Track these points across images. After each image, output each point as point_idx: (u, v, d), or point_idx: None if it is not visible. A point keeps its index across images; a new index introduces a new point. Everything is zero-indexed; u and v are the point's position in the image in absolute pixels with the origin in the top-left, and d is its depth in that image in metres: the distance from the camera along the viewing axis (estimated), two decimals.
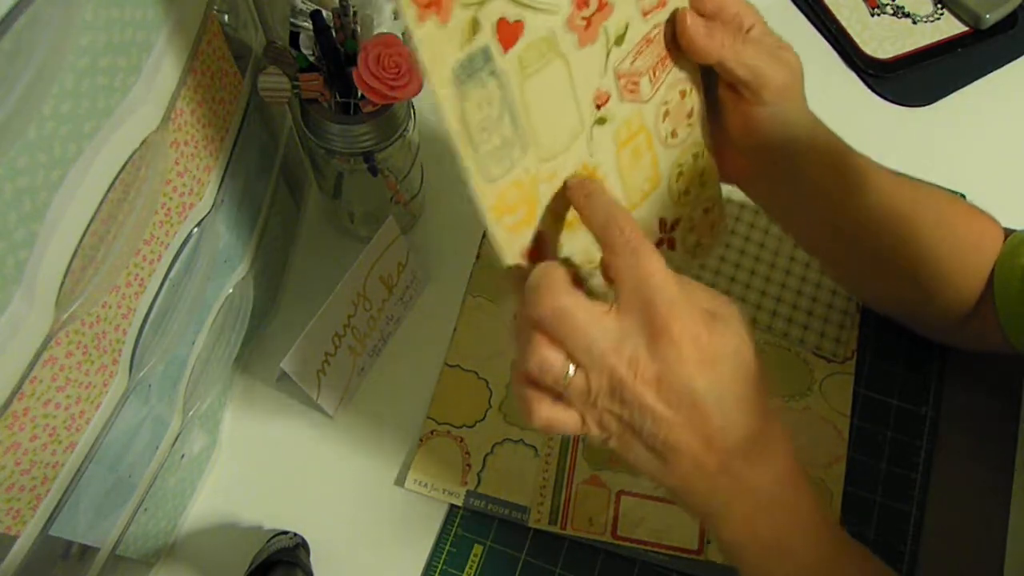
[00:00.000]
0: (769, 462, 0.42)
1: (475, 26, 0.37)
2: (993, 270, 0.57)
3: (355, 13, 0.59)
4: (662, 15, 0.45)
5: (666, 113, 0.48)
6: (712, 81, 0.50)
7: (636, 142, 0.47)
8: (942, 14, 0.87)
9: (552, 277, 0.40)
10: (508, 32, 0.39)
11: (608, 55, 0.44)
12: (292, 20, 0.64)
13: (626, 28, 0.44)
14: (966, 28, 0.86)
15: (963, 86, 0.82)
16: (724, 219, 0.56)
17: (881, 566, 0.45)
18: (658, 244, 0.51)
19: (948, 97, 0.82)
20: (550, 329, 0.39)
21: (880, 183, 0.55)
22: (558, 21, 0.41)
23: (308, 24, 0.58)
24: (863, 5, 0.87)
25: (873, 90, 0.82)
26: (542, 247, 0.44)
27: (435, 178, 0.72)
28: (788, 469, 0.43)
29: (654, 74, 0.46)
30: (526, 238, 0.44)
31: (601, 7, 0.42)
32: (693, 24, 0.45)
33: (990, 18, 0.84)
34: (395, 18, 0.69)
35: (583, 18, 0.42)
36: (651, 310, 0.38)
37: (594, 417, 0.40)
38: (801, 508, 0.43)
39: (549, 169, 0.43)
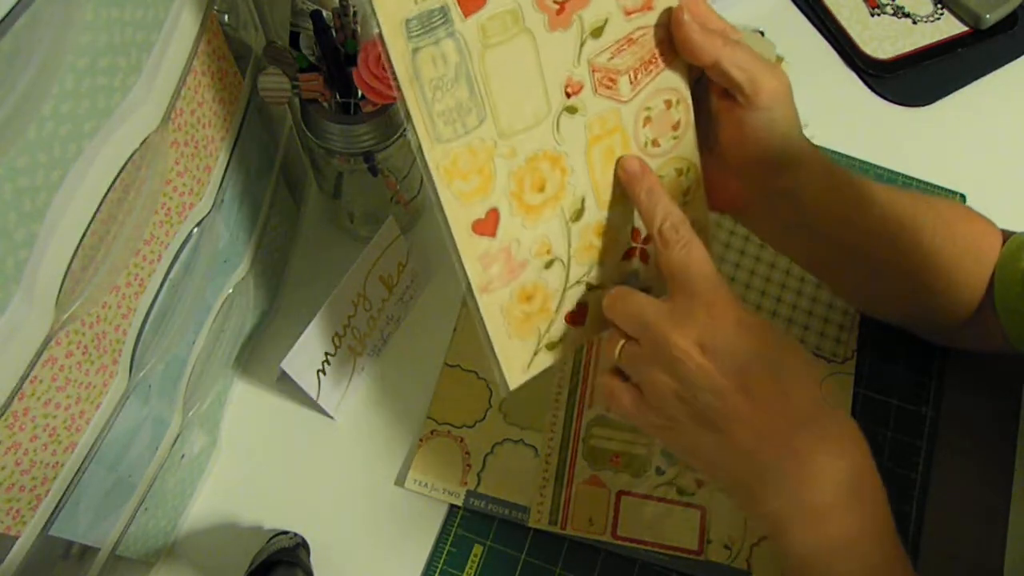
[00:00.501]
0: (843, 451, 0.42)
1: None
2: (993, 273, 0.57)
3: (355, 13, 0.59)
4: (646, 19, 0.45)
5: (647, 119, 0.48)
6: (703, 94, 0.49)
7: (611, 140, 0.47)
8: (942, 14, 0.87)
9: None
10: None
11: (583, 45, 0.43)
12: (292, 20, 0.64)
13: (605, 22, 0.44)
14: (966, 28, 0.86)
15: (963, 86, 0.82)
16: (710, 245, 0.56)
17: None
18: (627, 255, 0.51)
19: (948, 97, 0.82)
20: (610, 314, 0.47)
21: (877, 195, 0.55)
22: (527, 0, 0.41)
23: (308, 24, 0.58)
24: (863, 5, 0.87)
25: (873, 90, 0.82)
26: (492, 223, 0.45)
27: None
28: (865, 466, 0.43)
29: (635, 76, 0.46)
30: (477, 210, 0.44)
31: None
32: (689, 21, 0.45)
33: (990, 18, 0.84)
34: None
35: (556, 1, 0.42)
36: (700, 293, 0.43)
37: (650, 390, 0.44)
38: (876, 511, 0.43)
39: (508, 145, 0.43)
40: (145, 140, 0.43)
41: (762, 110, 0.47)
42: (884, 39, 0.85)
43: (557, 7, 0.42)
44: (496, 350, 0.48)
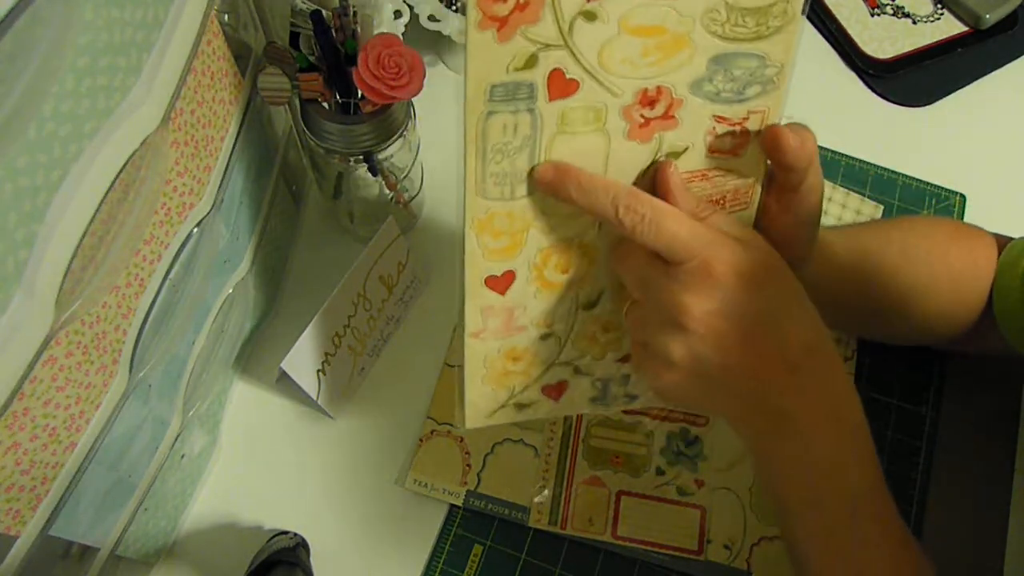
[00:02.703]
0: (831, 376, 0.43)
1: (532, 61, 0.37)
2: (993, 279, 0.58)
3: (355, 13, 0.59)
4: (728, 163, 0.43)
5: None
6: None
7: None
8: (942, 14, 0.87)
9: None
10: (560, 84, 0.39)
11: (654, 162, 0.43)
12: (292, 20, 0.64)
13: (684, 150, 0.42)
14: (966, 28, 0.86)
15: (963, 86, 0.82)
16: None
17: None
18: (625, 359, 0.50)
19: (948, 97, 0.82)
20: (618, 265, 0.45)
21: (868, 243, 0.56)
22: (615, 103, 0.40)
23: (308, 24, 0.58)
24: (863, 5, 0.87)
25: (873, 90, 0.82)
26: (506, 283, 0.45)
27: (435, 178, 0.72)
28: (846, 389, 0.44)
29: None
30: (496, 267, 0.44)
31: (666, 117, 0.41)
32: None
33: (990, 18, 0.85)
34: (395, 18, 0.69)
35: (643, 116, 0.41)
36: (690, 256, 0.41)
37: (654, 350, 0.43)
38: (857, 431, 0.44)
39: (547, 223, 0.43)
40: (145, 140, 0.43)
41: (812, 191, 0.46)
42: (884, 39, 0.85)
43: (642, 120, 0.41)
44: (466, 388, 0.49)
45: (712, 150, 0.43)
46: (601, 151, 0.41)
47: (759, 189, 0.45)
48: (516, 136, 0.40)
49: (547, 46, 0.37)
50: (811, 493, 0.44)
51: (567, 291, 0.46)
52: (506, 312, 0.46)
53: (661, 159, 0.42)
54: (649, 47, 0.39)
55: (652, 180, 0.43)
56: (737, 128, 0.42)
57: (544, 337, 0.48)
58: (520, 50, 0.37)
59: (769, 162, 0.44)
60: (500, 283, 0.45)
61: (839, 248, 0.54)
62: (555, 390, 0.50)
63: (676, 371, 0.43)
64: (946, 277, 0.58)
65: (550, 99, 0.39)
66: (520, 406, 0.51)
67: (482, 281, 0.44)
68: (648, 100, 0.40)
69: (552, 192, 0.42)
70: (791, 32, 0.40)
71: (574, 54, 0.38)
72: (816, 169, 0.44)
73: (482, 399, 0.49)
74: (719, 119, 0.42)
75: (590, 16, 0.37)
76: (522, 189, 0.42)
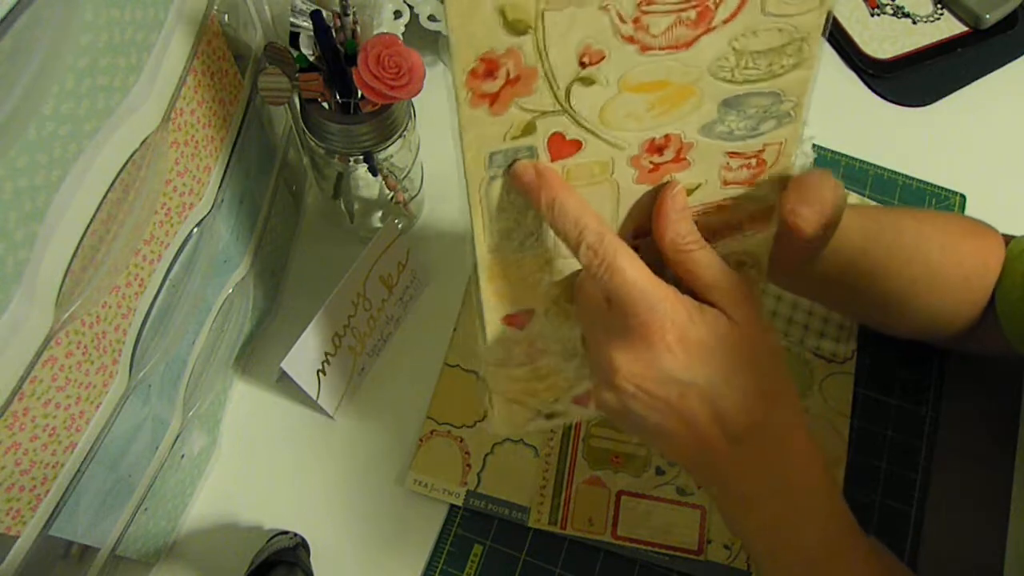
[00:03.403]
0: (780, 449, 0.42)
1: (530, 128, 0.36)
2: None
3: (355, 13, 0.59)
4: (746, 191, 0.42)
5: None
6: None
7: None
8: (942, 14, 0.87)
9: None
10: (561, 146, 0.37)
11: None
12: (292, 20, 0.64)
13: (698, 187, 0.41)
14: (966, 28, 0.86)
15: (963, 86, 0.82)
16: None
17: (892, 561, 0.45)
18: None
19: (948, 97, 0.82)
20: (576, 297, 0.44)
21: (885, 224, 0.56)
22: (621, 155, 0.38)
23: (308, 24, 0.58)
24: (863, 5, 0.87)
25: (873, 90, 0.82)
26: (524, 319, 0.44)
27: (435, 178, 0.72)
28: (801, 454, 0.42)
29: (712, 236, 0.42)
30: (512, 308, 0.44)
31: (677, 160, 0.39)
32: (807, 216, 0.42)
33: (990, 18, 0.84)
34: (395, 18, 0.69)
35: (652, 162, 0.39)
36: (633, 315, 0.39)
37: (595, 395, 0.43)
38: (811, 494, 0.43)
39: (559, 261, 0.42)
40: (145, 140, 0.43)
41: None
42: (884, 39, 0.85)
43: (651, 167, 0.39)
44: (495, 404, 0.48)
45: (727, 183, 0.41)
46: (610, 199, 0.40)
47: (777, 207, 0.42)
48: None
49: (544, 113, 0.36)
50: (764, 546, 0.43)
51: None
52: (527, 342, 0.46)
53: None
54: (653, 101, 0.37)
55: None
56: (753, 160, 0.40)
57: (569, 359, 0.47)
58: (516, 119, 0.35)
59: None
60: (518, 319, 0.44)
61: (854, 230, 0.53)
62: (586, 398, 0.50)
63: (612, 412, 0.42)
64: (957, 272, 0.57)
65: (552, 160, 0.38)
66: (551, 416, 0.50)
67: (500, 319, 0.44)
68: (656, 148, 0.38)
69: (525, 195, 0.39)
70: (808, 68, 0.37)
71: (574, 117, 0.36)
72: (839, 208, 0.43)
73: (511, 414, 0.49)
74: (733, 155, 0.40)
75: (587, 81, 0.35)
76: (531, 241, 0.41)
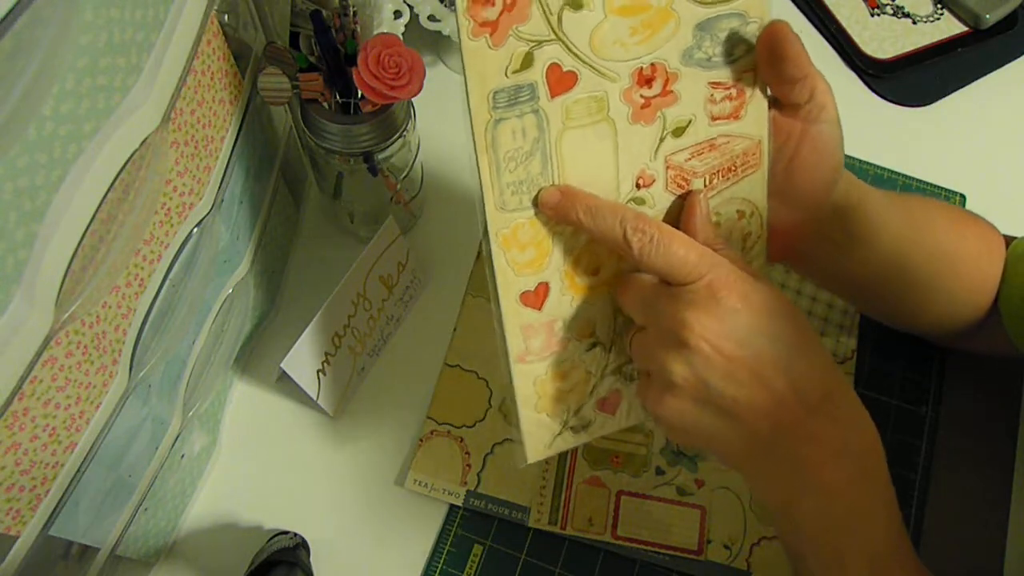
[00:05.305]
0: (854, 433, 0.41)
1: (528, 60, 0.39)
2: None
3: (355, 13, 0.59)
4: (731, 127, 0.44)
5: (716, 224, 0.46)
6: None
7: None
8: (942, 14, 0.87)
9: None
10: (559, 79, 0.40)
11: (661, 141, 0.43)
12: (292, 20, 0.64)
13: (688, 123, 0.43)
14: (966, 28, 0.86)
15: (963, 86, 0.82)
16: None
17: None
18: None
19: (948, 97, 0.82)
20: (620, 299, 0.45)
21: (895, 198, 0.55)
22: (614, 88, 0.41)
23: (308, 24, 0.58)
24: (863, 5, 0.87)
25: (873, 90, 0.82)
26: (541, 297, 0.45)
27: (435, 178, 0.72)
28: (874, 447, 0.42)
29: (710, 180, 0.45)
30: (528, 282, 0.44)
31: (664, 93, 0.42)
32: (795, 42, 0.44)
33: (990, 18, 0.85)
34: (395, 18, 0.69)
35: (643, 96, 0.42)
36: (698, 278, 0.40)
37: (659, 378, 0.42)
38: (884, 492, 0.42)
39: (567, 232, 0.44)
40: (145, 140, 0.43)
41: (832, 123, 0.46)
42: (884, 39, 0.85)
43: (643, 101, 0.42)
44: (521, 420, 0.48)
45: (714, 118, 0.44)
46: (609, 139, 0.42)
47: (767, 146, 0.46)
48: (526, 140, 0.40)
49: (540, 42, 0.38)
50: (831, 552, 0.41)
51: (602, 292, 0.46)
52: (546, 328, 0.46)
53: (666, 137, 0.43)
54: (636, 26, 0.40)
55: (679, 210, 0.44)
56: (733, 91, 0.44)
57: (589, 348, 0.47)
58: (515, 51, 0.38)
59: (771, 92, 0.44)
60: (535, 298, 0.45)
61: (891, 217, 0.52)
62: (610, 404, 0.50)
63: (678, 395, 0.41)
64: (964, 252, 0.56)
65: (552, 96, 0.40)
66: (577, 429, 0.50)
67: (517, 299, 0.44)
68: (645, 79, 0.41)
69: (559, 216, 0.42)
70: None
71: (567, 45, 0.39)
72: (823, 88, 0.44)
73: (538, 428, 0.49)
74: (714, 85, 0.43)
75: (576, 5, 0.38)
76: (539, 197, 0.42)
